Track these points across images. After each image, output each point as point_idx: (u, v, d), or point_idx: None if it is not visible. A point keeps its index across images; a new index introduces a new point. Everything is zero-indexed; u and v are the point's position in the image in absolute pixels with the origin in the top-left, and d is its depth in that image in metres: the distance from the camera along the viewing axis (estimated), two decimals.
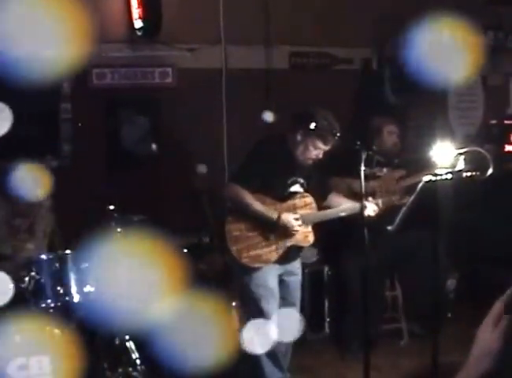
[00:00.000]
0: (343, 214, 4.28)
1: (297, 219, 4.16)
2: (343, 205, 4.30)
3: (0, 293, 3.92)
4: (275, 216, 4.11)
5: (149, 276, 3.53)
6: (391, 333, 5.32)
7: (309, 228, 4.29)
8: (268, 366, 4.24)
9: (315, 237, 4.34)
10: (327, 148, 4.12)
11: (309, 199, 4.27)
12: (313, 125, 4.03)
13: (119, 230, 4.46)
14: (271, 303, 4.19)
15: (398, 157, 5.20)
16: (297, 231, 4.16)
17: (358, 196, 4.10)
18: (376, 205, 4.29)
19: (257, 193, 4.14)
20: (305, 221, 4.22)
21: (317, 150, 4.13)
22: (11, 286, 4.00)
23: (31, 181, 4.40)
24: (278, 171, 4.17)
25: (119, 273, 3.48)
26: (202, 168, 5.42)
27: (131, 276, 3.50)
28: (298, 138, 4.13)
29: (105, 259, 3.49)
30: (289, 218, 4.13)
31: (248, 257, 4.15)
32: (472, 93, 6.81)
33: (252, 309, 4.19)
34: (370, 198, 4.28)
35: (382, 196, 4.55)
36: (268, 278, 4.20)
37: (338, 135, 4.05)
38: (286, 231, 4.14)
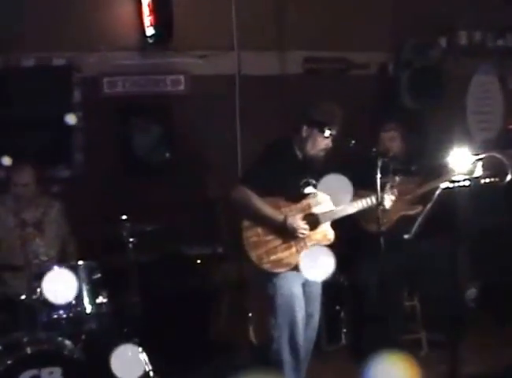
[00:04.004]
0: (359, 208, 4.22)
1: (306, 222, 4.09)
2: (358, 200, 4.24)
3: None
4: (281, 218, 4.06)
5: None
6: (410, 343, 5.22)
7: (328, 226, 4.23)
8: (289, 371, 4.16)
9: (330, 246, 4.25)
10: (334, 133, 4.11)
11: (324, 197, 4.22)
12: (314, 114, 4.10)
13: (131, 240, 4.42)
14: (297, 312, 4.11)
15: (416, 163, 5.13)
16: (303, 234, 4.09)
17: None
18: (393, 194, 4.29)
19: (271, 196, 4.09)
20: (322, 219, 4.17)
21: (325, 140, 4.14)
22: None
23: None
24: (288, 174, 4.13)
25: None
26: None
27: None
28: (304, 134, 4.15)
29: None
30: (295, 221, 4.07)
31: (269, 263, 4.08)
32: (491, 97, 6.70)
33: (278, 319, 4.11)
34: (388, 185, 4.24)
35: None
36: (293, 286, 4.12)
37: (340, 119, 4.08)
38: (294, 234, 4.08)
